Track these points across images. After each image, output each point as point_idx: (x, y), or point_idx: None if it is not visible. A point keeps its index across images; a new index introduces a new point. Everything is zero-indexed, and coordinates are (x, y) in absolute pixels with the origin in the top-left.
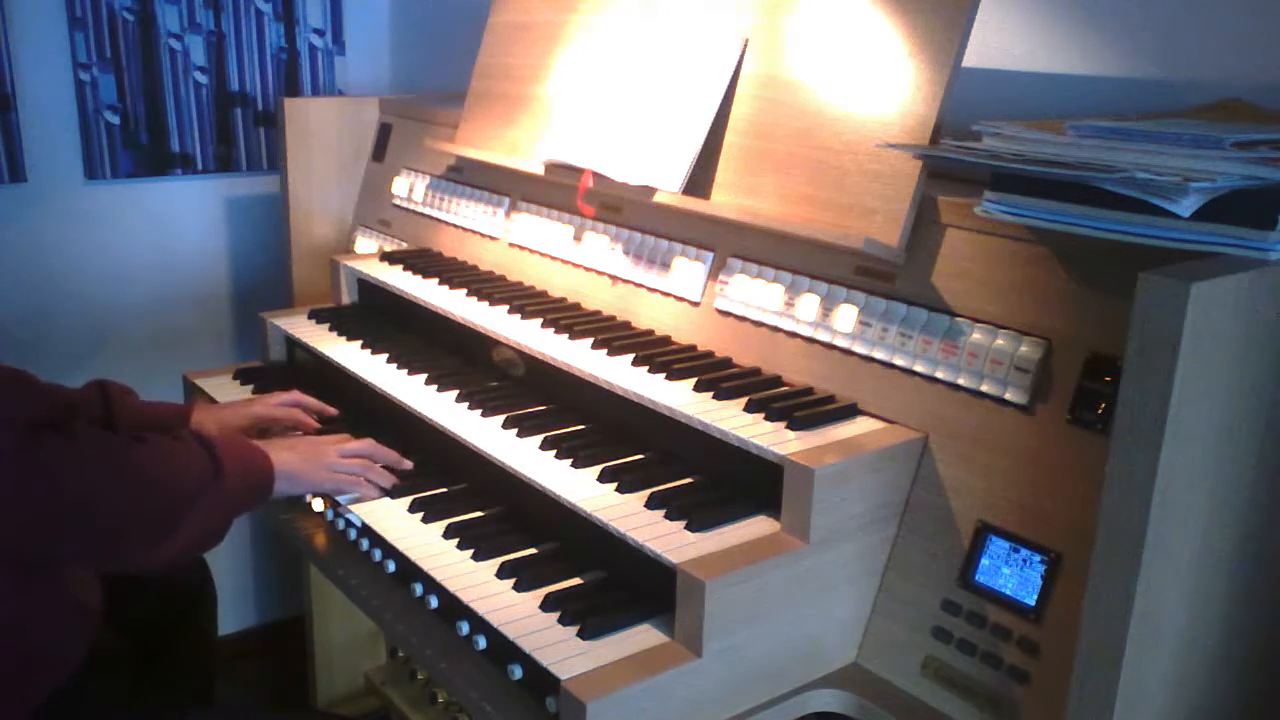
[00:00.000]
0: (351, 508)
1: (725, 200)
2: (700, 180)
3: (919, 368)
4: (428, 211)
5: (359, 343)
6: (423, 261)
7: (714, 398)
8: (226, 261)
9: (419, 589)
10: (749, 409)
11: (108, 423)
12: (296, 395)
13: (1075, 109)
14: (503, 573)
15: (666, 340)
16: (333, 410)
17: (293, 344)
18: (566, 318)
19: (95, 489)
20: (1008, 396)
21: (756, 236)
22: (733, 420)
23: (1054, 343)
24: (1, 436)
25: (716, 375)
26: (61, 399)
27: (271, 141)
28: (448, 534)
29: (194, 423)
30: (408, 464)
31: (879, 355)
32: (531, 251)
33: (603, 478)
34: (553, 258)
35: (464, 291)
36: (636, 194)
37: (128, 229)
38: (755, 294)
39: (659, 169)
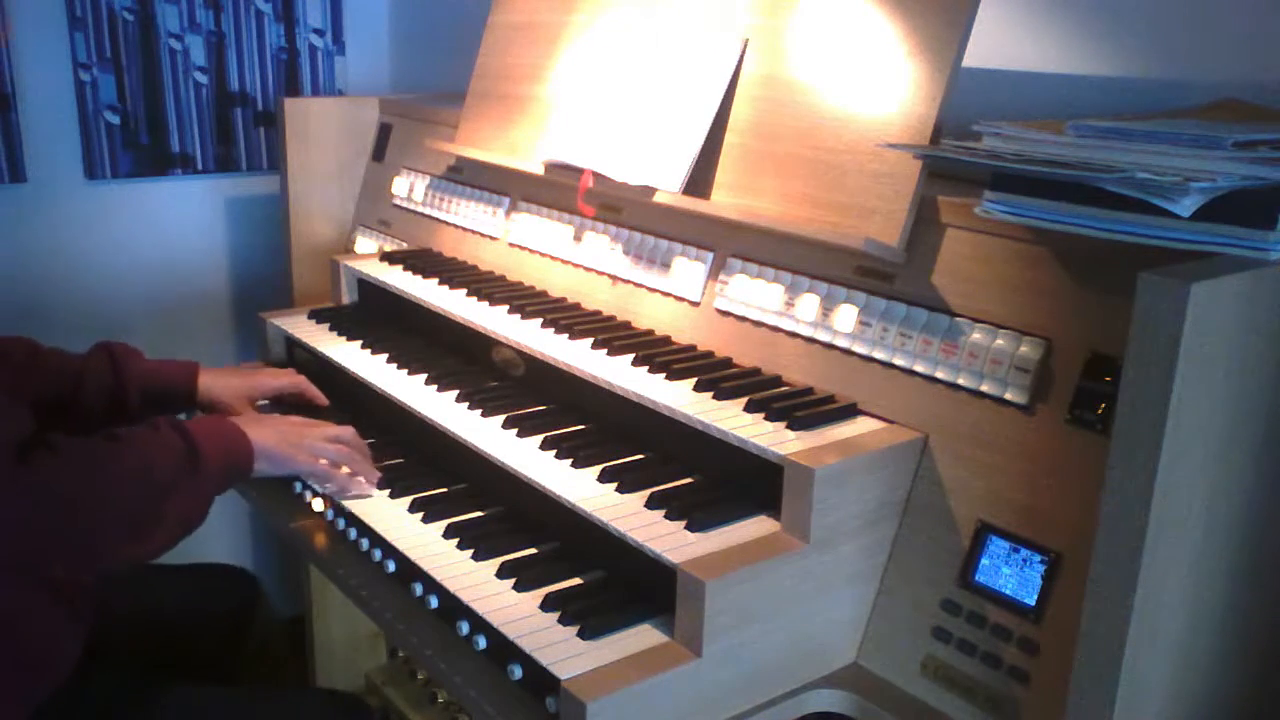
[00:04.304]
0: (352, 508)
1: (725, 200)
2: (700, 180)
3: (919, 368)
4: (428, 211)
5: (359, 343)
6: (423, 261)
7: (714, 398)
8: (226, 261)
9: (419, 589)
10: (749, 409)
11: (117, 386)
12: (294, 374)
13: (1075, 109)
14: (503, 573)
15: (666, 340)
16: (324, 400)
17: (293, 344)
18: (566, 318)
19: (78, 498)
20: (1008, 396)
21: (756, 236)
22: (733, 420)
23: (1054, 343)
24: None
25: (716, 375)
26: (68, 368)
27: (271, 141)
28: (448, 534)
29: (201, 386)
30: (376, 474)
31: (879, 355)
32: (531, 251)
33: (603, 478)
34: (553, 258)
35: (464, 291)
36: (636, 194)
37: (128, 229)
38: (755, 294)
39: (659, 169)
